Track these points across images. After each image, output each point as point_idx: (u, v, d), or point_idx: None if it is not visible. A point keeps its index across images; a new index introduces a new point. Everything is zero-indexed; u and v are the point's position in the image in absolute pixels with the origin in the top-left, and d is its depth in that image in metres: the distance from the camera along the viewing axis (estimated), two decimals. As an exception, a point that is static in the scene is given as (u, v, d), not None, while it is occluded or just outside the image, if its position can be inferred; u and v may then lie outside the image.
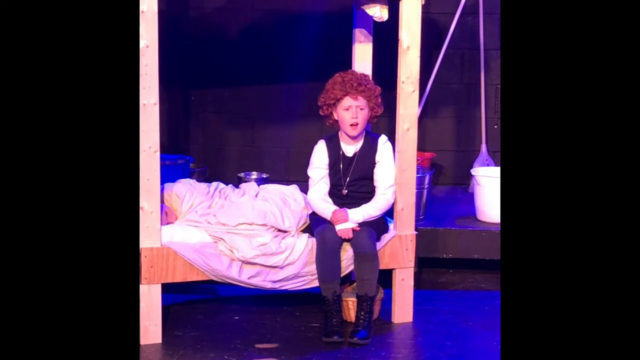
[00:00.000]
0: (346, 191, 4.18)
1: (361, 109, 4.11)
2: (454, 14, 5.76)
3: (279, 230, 4.14)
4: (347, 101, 4.10)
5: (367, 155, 4.18)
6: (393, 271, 4.24)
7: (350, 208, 4.10)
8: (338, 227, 4.04)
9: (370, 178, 4.19)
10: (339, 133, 4.22)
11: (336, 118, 4.16)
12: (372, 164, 4.17)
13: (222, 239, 4.05)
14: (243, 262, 4.01)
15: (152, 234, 3.89)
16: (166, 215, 4.21)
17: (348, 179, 4.18)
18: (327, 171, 4.20)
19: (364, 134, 4.21)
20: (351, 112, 4.10)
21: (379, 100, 4.15)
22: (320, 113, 4.21)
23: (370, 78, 4.22)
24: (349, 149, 4.19)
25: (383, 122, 5.44)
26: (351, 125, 4.10)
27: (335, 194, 4.20)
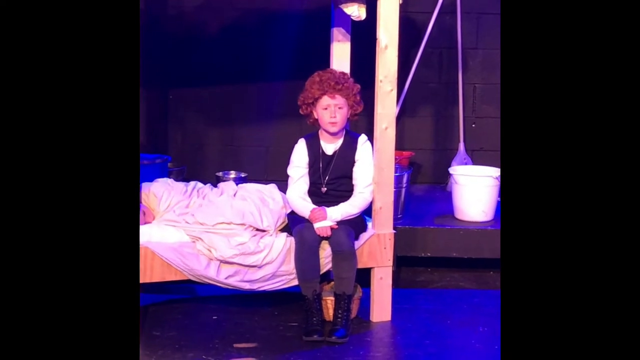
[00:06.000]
0: (325, 189, 4.19)
1: (340, 107, 4.11)
2: (432, 13, 5.77)
3: (258, 230, 4.14)
4: (326, 100, 4.11)
5: (347, 154, 4.19)
6: (371, 270, 4.24)
7: (329, 206, 4.11)
8: (316, 225, 4.04)
9: (349, 177, 4.19)
10: (319, 131, 4.22)
11: (316, 117, 4.17)
12: (352, 163, 4.18)
13: (200, 239, 4.04)
14: (221, 261, 4.00)
15: (129, 234, 3.87)
16: (144, 215, 4.19)
17: (327, 177, 4.19)
18: (307, 170, 4.20)
19: (344, 132, 4.22)
20: (329, 111, 4.11)
21: (358, 97, 4.16)
22: (300, 112, 4.21)
23: (349, 76, 4.23)
24: (329, 147, 4.20)
25: (361, 120, 5.43)
26: (330, 123, 4.11)
27: (314, 192, 4.20)
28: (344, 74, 4.20)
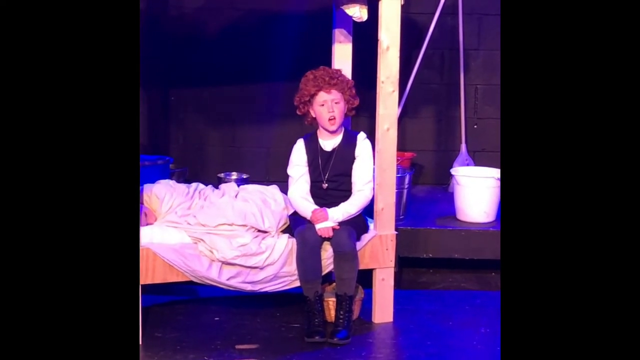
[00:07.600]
0: (326, 185, 4.17)
1: (336, 102, 4.12)
2: (434, 14, 5.77)
3: (259, 231, 4.13)
4: (322, 96, 4.11)
5: (346, 150, 4.18)
6: (373, 271, 4.24)
7: (329, 207, 4.10)
8: (318, 226, 4.04)
9: (349, 175, 4.19)
10: (318, 131, 4.22)
11: (314, 115, 4.17)
12: (352, 160, 4.18)
13: (202, 240, 4.04)
14: (223, 262, 4.00)
15: (131, 235, 3.87)
16: (145, 216, 4.19)
17: (327, 174, 4.18)
18: (307, 169, 4.20)
19: (342, 130, 4.22)
20: (327, 106, 4.11)
21: (353, 91, 4.17)
22: (298, 113, 4.22)
23: (342, 72, 4.24)
24: (328, 144, 4.20)
25: (363, 121, 5.44)
26: (329, 119, 4.11)
27: (315, 191, 4.19)
28: (336, 70, 4.23)
